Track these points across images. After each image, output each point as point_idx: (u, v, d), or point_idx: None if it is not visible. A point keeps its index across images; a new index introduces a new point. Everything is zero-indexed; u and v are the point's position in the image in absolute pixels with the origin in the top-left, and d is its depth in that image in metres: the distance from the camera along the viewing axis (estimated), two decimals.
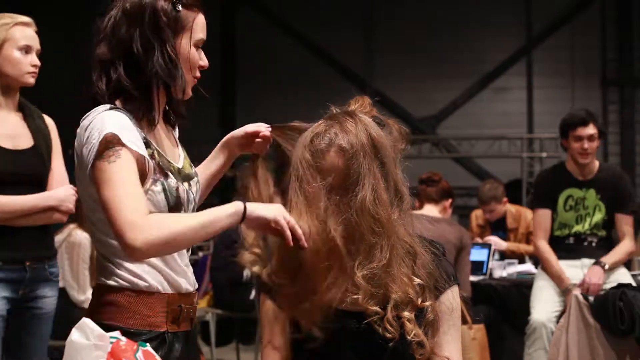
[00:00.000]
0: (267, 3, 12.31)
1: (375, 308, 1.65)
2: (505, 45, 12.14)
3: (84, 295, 4.57)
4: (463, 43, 11.90)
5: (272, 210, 1.68)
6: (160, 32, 1.79)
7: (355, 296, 1.65)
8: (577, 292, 3.88)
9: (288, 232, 1.65)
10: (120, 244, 1.64)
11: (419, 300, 1.69)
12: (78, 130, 1.83)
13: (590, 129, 4.28)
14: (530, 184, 10.75)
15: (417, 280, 1.69)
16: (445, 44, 11.86)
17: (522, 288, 4.80)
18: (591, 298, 3.63)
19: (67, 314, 4.32)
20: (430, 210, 4.30)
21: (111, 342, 1.48)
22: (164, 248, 1.65)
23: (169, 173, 1.83)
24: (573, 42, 11.56)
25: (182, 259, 1.90)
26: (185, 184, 1.89)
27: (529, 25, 12.16)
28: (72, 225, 4.61)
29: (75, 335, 1.48)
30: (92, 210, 1.79)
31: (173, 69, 1.80)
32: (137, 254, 1.63)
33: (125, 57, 1.79)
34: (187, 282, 1.92)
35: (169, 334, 1.82)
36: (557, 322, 4.00)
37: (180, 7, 1.81)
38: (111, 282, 1.77)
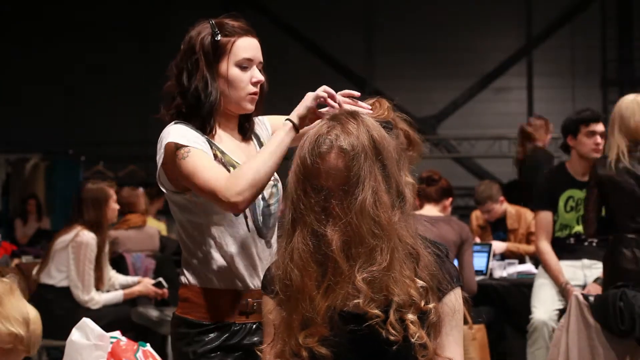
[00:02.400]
0: (267, 3, 12.31)
1: (376, 311, 1.64)
2: (505, 45, 12.14)
3: (88, 295, 4.57)
4: (463, 43, 11.90)
5: (308, 98, 2.04)
6: (197, 61, 2.14)
7: (356, 300, 1.65)
8: (577, 292, 3.88)
9: (336, 96, 2.00)
10: (223, 208, 2.00)
11: (422, 303, 1.69)
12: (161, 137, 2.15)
13: (601, 126, 4.28)
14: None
15: (420, 283, 1.69)
16: (445, 44, 11.86)
17: (522, 288, 4.80)
18: (591, 298, 3.62)
19: (72, 314, 4.33)
20: (430, 209, 4.30)
21: (111, 342, 1.48)
22: (254, 189, 1.97)
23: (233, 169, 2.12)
24: (573, 42, 11.56)
25: (259, 259, 2.18)
26: None
27: (529, 25, 12.16)
28: (79, 227, 4.63)
29: (75, 335, 1.48)
30: (175, 212, 2.15)
31: (205, 89, 2.13)
32: (239, 206, 1.96)
33: (180, 86, 2.16)
34: (252, 279, 2.16)
35: (237, 324, 2.11)
36: (559, 320, 4.00)
37: (219, 37, 2.13)
38: (185, 281, 2.13)
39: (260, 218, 2.17)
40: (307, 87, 2.21)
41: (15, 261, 5.89)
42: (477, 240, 5.52)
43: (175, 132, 2.08)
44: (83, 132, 11.87)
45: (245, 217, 2.13)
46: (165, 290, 4.95)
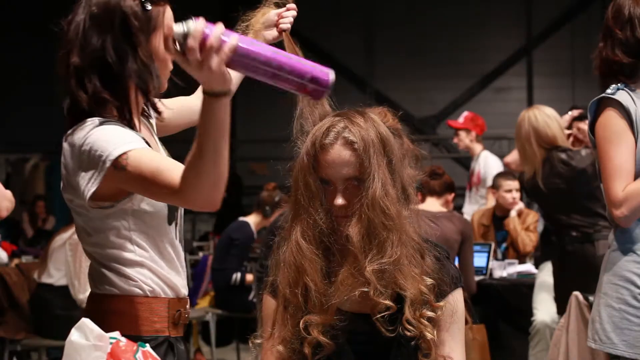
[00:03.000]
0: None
1: (387, 302, 1.65)
2: (505, 45, 12.14)
3: (83, 295, 4.57)
4: (463, 43, 11.90)
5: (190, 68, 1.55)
6: (132, 37, 1.76)
7: (364, 289, 1.65)
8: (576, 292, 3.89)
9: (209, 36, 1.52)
10: (196, 207, 1.67)
11: (434, 300, 1.69)
12: (68, 146, 1.78)
13: None
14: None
15: (428, 281, 1.70)
16: (445, 44, 11.86)
17: (522, 288, 4.81)
18: (591, 298, 3.62)
19: (71, 314, 4.33)
20: (432, 203, 4.31)
21: (111, 343, 1.47)
22: (217, 190, 1.65)
23: None
24: (573, 42, 11.56)
25: (181, 265, 1.90)
26: None
27: (529, 25, 12.16)
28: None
29: (74, 335, 1.48)
30: (87, 220, 1.80)
31: (147, 73, 1.78)
32: (202, 208, 1.68)
33: (99, 66, 1.75)
34: (183, 286, 1.91)
35: (172, 338, 1.83)
36: None
37: (149, 6, 1.77)
38: (113, 290, 1.79)
39: (180, 222, 1.94)
40: None
41: (15, 261, 5.89)
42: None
43: (105, 139, 1.71)
44: None
45: (176, 225, 1.89)
46: None
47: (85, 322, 1.49)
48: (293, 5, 2.11)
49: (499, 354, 4.67)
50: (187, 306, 1.92)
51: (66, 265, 4.60)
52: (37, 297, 4.69)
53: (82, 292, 4.58)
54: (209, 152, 1.60)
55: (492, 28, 12.09)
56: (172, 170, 1.66)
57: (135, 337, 1.66)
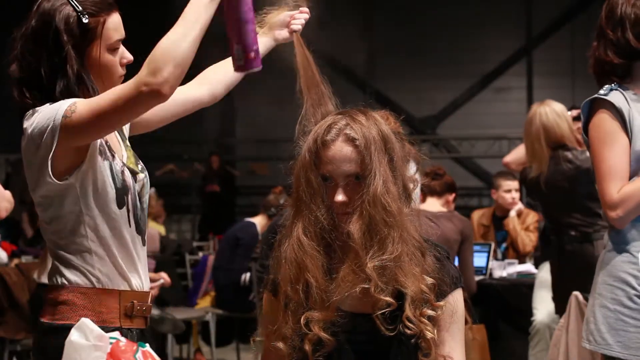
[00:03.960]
0: None
1: (388, 298, 1.65)
2: (505, 45, 12.14)
3: None
4: (463, 43, 11.90)
5: None
6: (62, 51, 1.82)
7: (365, 285, 1.65)
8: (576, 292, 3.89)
9: None
10: (146, 102, 1.71)
11: (434, 299, 1.69)
12: (22, 142, 1.91)
13: None
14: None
15: (429, 280, 1.70)
16: (445, 44, 11.86)
17: (522, 288, 4.81)
18: None
19: None
20: (433, 203, 4.31)
21: (111, 343, 1.47)
22: (177, 66, 1.69)
23: (116, 156, 1.90)
24: (573, 42, 11.55)
25: (138, 258, 1.96)
26: (134, 176, 1.95)
27: (529, 25, 12.16)
28: None
29: (74, 335, 1.48)
30: (45, 208, 1.88)
31: (79, 86, 1.84)
32: (162, 90, 1.69)
33: (35, 82, 1.86)
34: (141, 280, 1.96)
35: (123, 329, 1.86)
36: None
37: (86, 19, 1.82)
38: (63, 281, 1.88)
39: (139, 212, 1.96)
40: None
41: (15, 261, 5.89)
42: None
43: (47, 110, 1.82)
44: None
45: (128, 211, 1.92)
46: (168, 279, 5.00)
47: (85, 322, 1.49)
48: (306, 9, 2.16)
49: (499, 354, 4.67)
50: (148, 298, 1.96)
51: None
52: (37, 297, 4.69)
53: None
54: (186, 25, 1.71)
55: (492, 28, 12.09)
56: (118, 87, 1.76)
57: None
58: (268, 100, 11.50)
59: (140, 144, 2.16)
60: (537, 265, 4.97)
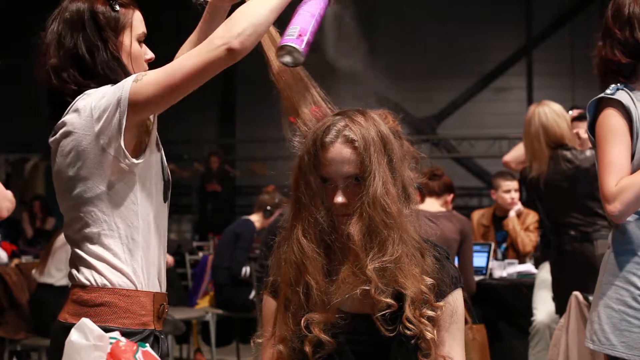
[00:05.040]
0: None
1: (389, 300, 1.65)
2: (505, 45, 12.14)
3: None
4: (463, 43, 11.90)
5: None
6: (101, 32, 1.87)
7: (365, 287, 1.65)
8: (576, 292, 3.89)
9: None
10: (220, 62, 1.72)
11: (434, 299, 1.69)
12: (82, 112, 1.83)
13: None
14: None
15: (429, 280, 1.69)
16: (445, 44, 11.86)
17: (522, 288, 4.81)
18: (591, 298, 3.62)
19: None
20: (432, 203, 4.31)
21: (110, 343, 1.47)
22: (254, 33, 1.74)
23: (162, 149, 1.92)
24: (573, 42, 11.55)
25: (162, 258, 1.93)
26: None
27: (529, 25, 12.16)
28: None
29: (74, 335, 1.48)
30: (81, 204, 1.83)
31: (117, 66, 1.87)
32: (237, 50, 1.71)
33: (75, 65, 1.87)
34: (164, 281, 1.95)
35: (157, 332, 1.85)
36: None
37: (117, 7, 1.90)
38: (103, 282, 1.81)
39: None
40: None
41: (15, 261, 5.89)
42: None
43: (106, 89, 1.82)
44: None
45: (169, 207, 1.94)
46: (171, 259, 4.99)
47: (85, 322, 1.49)
48: None
49: (499, 354, 4.67)
50: (166, 300, 1.95)
51: (67, 265, 4.59)
52: (37, 297, 4.69)
53: None
54: (258, 2, 1.78)
55: (492, 28, 12.09)
56: (187, 52, 1.78)
57: (122, 330, 1.71)
58: (268, 100, 11.49)
59: None
60: (537, 265, 4.96)
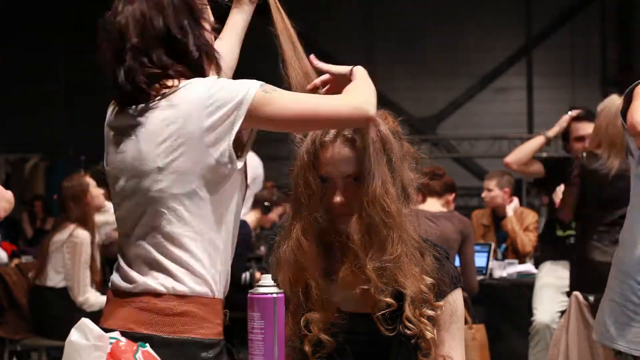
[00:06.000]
0: (266, 2, 12.31)
1: (388, 299, 1.65)
2: (505, 45, 12.14)
3: (83, 297, 4.56)
4: (463, 43, 11.90)
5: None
6: (192, 14, 1.77)
7: (365, 286, 1.65)
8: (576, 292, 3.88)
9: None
10: (359, 121, 1.67)
11: (433, 299, 1.69)
12: (188, 106, 1.66)
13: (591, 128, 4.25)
14: (530, 184, 10.74)
15: (428, 280, 1.69)
16: (445, 44, 11.86)
17: (522, 288, 4.81)
18: (591, 298, 3.62)
19: (71, 314, 4.32)
20: (433, 203, 4.30)
21: (111, 343, 1.47)
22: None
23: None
24: (573, 42, 11.55)
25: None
26: None
27: (529, 25, 12.16)
28: (72, 225, 4.60)
29: (74, 335, 1.48)
30: (167, 199, 1.66)
31: (210, 48, 1.78)
32: (370, 122, 1.69)
33: (165, 46, 1.72)
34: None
35: (226, 343, 1.74)
36: None
37: None
38: (183, 290, 1.65)
39: None
40: None
41: (15, 261, 5.89)
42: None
43: (221, 82, 1.70)
44: (83, 132, 11.86)
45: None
46: None
47: (85, 322, 1.49)
48: None
49: (499, 354, 4.67)
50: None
51: (65, 268, 4.57)
52: (37, 298, 4.68)
53: (82, 295, 4.56)
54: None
55: (492, 28, 12.09)
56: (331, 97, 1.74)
57: (203, 342, 1.63)
58: None
59: None
60: (537, 265, 4.96)
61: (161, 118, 1.67)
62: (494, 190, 5.59)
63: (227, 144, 1.65)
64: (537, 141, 4.35)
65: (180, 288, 1.65)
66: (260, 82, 1.69)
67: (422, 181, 1.81)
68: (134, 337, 1.58)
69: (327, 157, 1.69)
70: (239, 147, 1.70)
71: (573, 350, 3.53)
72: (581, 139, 4.27)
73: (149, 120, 1.68)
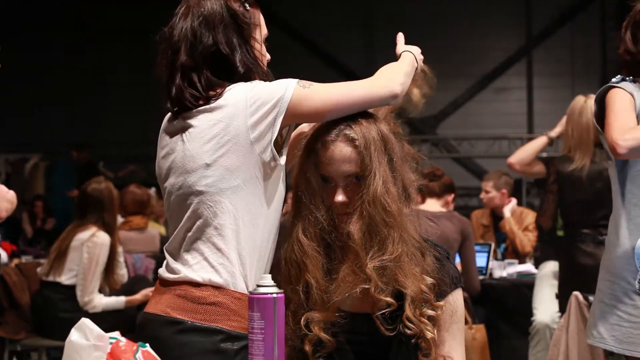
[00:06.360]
0: (267, 3, 12.32)
1: (389, 299, 1.65)
2: (505, 45, 12.14)
3: (88, 297, 4.55)
4: (463, 43, 11.90)
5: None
6: (243, 31, 1.84)
7: (365, 286, 1.65)
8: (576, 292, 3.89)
9: None
10: (388, 99, 1.81)
11: (434, 299, 1.69)
12: (236, 104, 1.76)
13: None
14: (530, 184, 10.74)
15: (429, 280, 1.70)
16: (445, 44, 11.85)
17: (522, 288, 4.81)
18: (591, 298, 3.62)
19: (75, 315, 4.32)
20: (432, 204, 4.30)
21: (111, 343, 1.47)
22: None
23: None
24: (573, 42, 11.56)
25: (268, 265, 1.86)
26: None
27: (529, 25, 12.16)
28: (94, 227, 4.59)
29: (74, 335, 1.48)
30: (214, 194, 1.76)
31: (257, 65, 1.86)
32: (397, 98, 1.84)
33: (211, 64, 1.81)
34: None
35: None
36: None
37: (248, 6, 1.86)
38: (219, 281, 1.74)
39: None
40: None
41: (15, 261, 5.89)
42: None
43: (263, 84, 1.80)
44: (83, 132, 11.87)
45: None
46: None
47: (85, 322, 1.49)
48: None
49: (499, 354, 4.67)
50: None
51: (80, 266, 4.57)
52: (41, 296, 4.67)
53: (88, 295, 4.56)
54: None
55: (492, 28, 12.09)
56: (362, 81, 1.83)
57: (230, 333, 1.70)
58: None
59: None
60: (537, 265, 4.96)
61: (207, 119, 1.77)
62: (491, 192, 5.61)
63: (269, 140, 1.75)
64: (540, 141, 4.36)
65: (216, 279, 1.75)
66: (297, 80, 1.79)
67: (421, 183, 1.82)
68: (168, 321, 1.73)
69: (329, 156, 1.70)
70: (278, 145, 1.79)
71: (573, 350, 3.53)
72: None
73: (196, 122, 1.79)
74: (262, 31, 1.91)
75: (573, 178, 3.95)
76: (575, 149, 3.95)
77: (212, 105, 1.78)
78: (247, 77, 1.82)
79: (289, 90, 1.75)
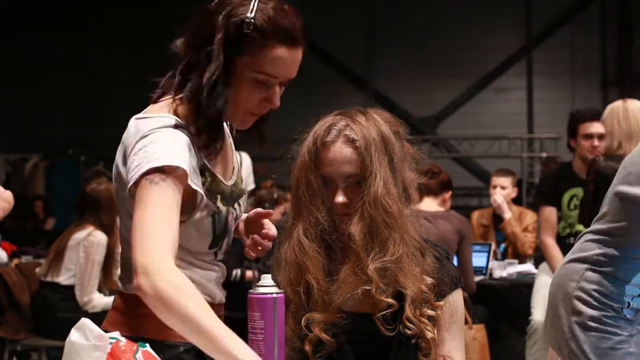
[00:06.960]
0: None
1: (390, 300, 1.65)
2: (505, 45, 12.14)
3: (87, 297, 4.55)
4: (463, 43, 11.90)
5: None
6: (211, 45, 1.58)
7: (366, 287, 1.65)
8: None
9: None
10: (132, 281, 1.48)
11: (434, 299, 1.69)
12: (129, 134, 1.64)
13: (598, 127, 4.24)
14: (530, 184, 10.74)
15: (429, 280, 1.70)
16: (445, 44, 11.86)
17: (522, 288, 4.80)
18: None
19: (75, 314, 4.32)
20: (430, 203, 4.29)
21: (111, 343, 1.47)
22: (169, 309, 1.45)
23: (219, 199, 1.66)
24: (573, 42, 11.55)
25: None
26: (236, 206, 1.74)
27: (529, 25, 12.16)
28: (91, 227, 4.59)
29: (74, 335, 1.48)
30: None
31: (210, 89, 1.59)
32: (143, 292, 1.46)
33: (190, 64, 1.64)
34: (221, 293, 1.88)
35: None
36: None
37: (251, 27, 1.57)
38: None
39: (228, 240, 1.85)
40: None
41: (15, 261, 5.89)
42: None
43: (172, 150, 1.53)
44: (83, 132, 11.87)
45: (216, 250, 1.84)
46: None
47: (85, 322, 1.49)
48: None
49: (499, 354, 4.67)
50: (221, 312, 1.85)
51: (77, 267, 4.58)
52: (41, 297, 4.68)
53: (87, 295, 4.56)
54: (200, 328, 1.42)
55: (492, 28, 12.09)
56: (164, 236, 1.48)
57: (163, 343, 1.66)
58: None
59: None
60: (537, 265, 4.96)
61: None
62: (508, 188, 5.55)
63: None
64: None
65: None
66: (163, 165, 1.50)
67: (421, 181, 1.82)
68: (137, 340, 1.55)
69: (329, 157, 1.69)
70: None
71: None
72: (589, 136, 4.28)
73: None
74: (254, 64, 1.60)
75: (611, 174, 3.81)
76: (628, 142, 3.81)
77: (132, 122, 1.73)
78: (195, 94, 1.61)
79: (141, 170, 1.51)
